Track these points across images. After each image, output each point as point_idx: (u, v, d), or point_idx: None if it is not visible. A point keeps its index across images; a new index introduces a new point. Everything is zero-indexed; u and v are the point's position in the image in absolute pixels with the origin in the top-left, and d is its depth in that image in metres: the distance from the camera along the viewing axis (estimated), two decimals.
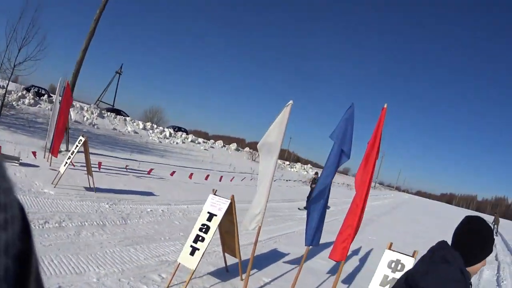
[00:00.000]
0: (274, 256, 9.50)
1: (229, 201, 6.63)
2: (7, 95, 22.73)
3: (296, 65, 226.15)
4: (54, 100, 31.95)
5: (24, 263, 0.41)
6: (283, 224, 13.85)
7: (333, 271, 9.17)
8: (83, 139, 10.73)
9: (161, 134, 43.04)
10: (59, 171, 10.82)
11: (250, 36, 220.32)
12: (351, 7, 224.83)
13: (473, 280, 8.92)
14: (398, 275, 5.04)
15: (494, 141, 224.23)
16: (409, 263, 5.22)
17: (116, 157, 20.04)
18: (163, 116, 68.95)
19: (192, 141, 47.35)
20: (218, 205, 6.63)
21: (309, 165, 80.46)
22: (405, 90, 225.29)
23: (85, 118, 33.91)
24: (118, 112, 48.57)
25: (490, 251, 2.08)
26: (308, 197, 17.20)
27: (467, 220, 2.15)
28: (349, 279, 9.04)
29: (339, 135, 6.60)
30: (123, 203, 10.92)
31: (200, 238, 6.32)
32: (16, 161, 11.72)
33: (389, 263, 5.38)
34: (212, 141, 54.93)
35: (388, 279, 5.25)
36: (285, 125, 6.82)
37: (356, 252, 11.80)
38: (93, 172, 11.19)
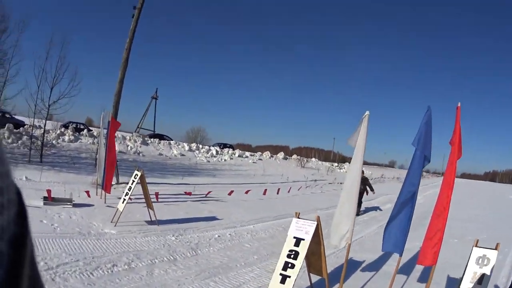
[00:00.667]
0: (352, 266, 8.79)
1: (315, 223, 6.15)
2: (45, 134, 22.58)
3: (332, 63, 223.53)
4: (96, 134, 32.77)
5: (18, 247, 0.40)
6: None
7: (406, 271, 8.68)
8: (139, 173, 10.05)
9: (208, 153, 42.50)
10: (117, 209, 10.12)
11: (284, 44, 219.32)
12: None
13: None
14: (485, 269, 5.36)
15: None
16: (493, 256, 5.41)
17: (169, 183, 19.44)
18: (205, 134, 68.80)
19: (239, 156, 46.60)
20: (304, 229, 6.16)
21: None
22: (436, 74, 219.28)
23: (129, 147, 33.72)
24: (161, 137, 48.63)
25: None
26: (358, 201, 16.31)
27: None
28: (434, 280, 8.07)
29: (420, 141, 6.59)
30: (189, 232, 10.19)
31: (290, 264, 5.92)
32: (69, 203, 11.08)
33: (476, 259, 5.50)
34: (259, 153, 54.15)
35: (477, 274, 5.40)
36: (364, 136, 7.00)
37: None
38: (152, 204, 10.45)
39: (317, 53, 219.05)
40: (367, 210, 18.96)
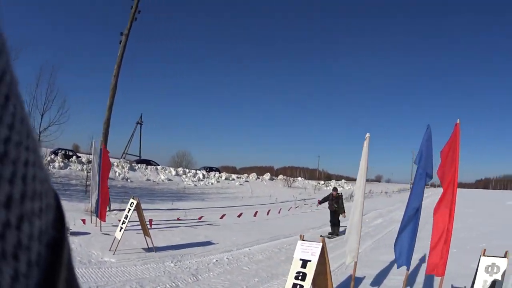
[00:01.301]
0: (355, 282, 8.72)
1: (321, 244, 6.26)
2: None
3: (313, 80, 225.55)
4: (84, 161, 32.60)
5: (56, 251, 0.41)
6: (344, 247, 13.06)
7: (410, 284, 8.54)
8: (135, 202, 10.15)
9: (195, 177, 42.50)
10: (115, 237, 10.18)
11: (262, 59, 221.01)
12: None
13: None
14: (495, 276, 5.50)
15: None
16: (503, 264, 5.55)
17: (160, 209, 19.48)
18: (191, 158, 68.59)
19: (226, 178, 46.65)
20: (310, 250, 6.29)
21: (343, 180, 79.10)
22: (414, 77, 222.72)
23: (117, 174, 33.62)
24: (147, 162, 48.43)
25: None
26: (332, 221, 16.04)
27: None
28: None
29: (422, 159, 6.77)
30: (186, 258, 10.24)
31: (298, 286, 6.03)
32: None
33: (485, 268, 5.62)
34: (245, 175, 54.31)
35: (487, 283, 5.52)
36: (366, 157, 7.16)
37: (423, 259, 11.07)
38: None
39: (298, 71, 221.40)
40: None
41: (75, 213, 14.71)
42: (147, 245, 10.60)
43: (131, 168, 37.30)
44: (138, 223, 10.74)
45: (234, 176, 51.00)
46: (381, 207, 31.04)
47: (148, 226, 11.76)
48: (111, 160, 38.10)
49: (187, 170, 45.45)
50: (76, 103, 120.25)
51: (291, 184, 53.06)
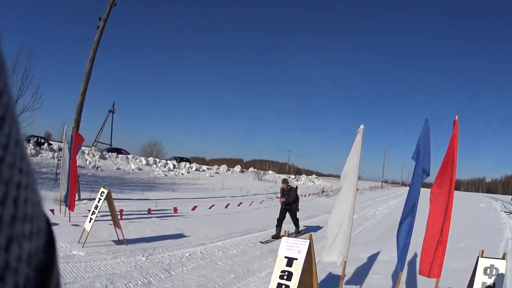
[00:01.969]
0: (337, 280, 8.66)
1: (308, 241, 5.96)
2: None
3: (283, 71, 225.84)
4: (55, 148, 31.81)
5: (45, 275, 0.41)
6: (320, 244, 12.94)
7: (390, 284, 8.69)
8: (105, 191, 9.78)
9: (165, 167, 41.98)
10: (84, 229, 9.80)
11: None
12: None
13: None
14: (494, 279, 5.41)
15: (496, 118, 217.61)
16: (501, 266, 5.47)
17: (130, 199, 19.06)
18: (161, 148, 67.93)
19: (196, 169, 46.21)
20: (296, 248, 5.96)
21: (313, 175, 79.31)
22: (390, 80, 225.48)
23: (87, 162, 32.92)
24: (118, 151, 47.65)
25: None
26: (280, 220, 13.74)
27: None
28: None
29: (420, 155, 6.54)
30: (158, 251, 9.96)
31: (284, 286, 5.68)
32: None
33: (484, 270, 5.52)
34: (216, 166, 53.95)
35: (486, 285, 5.43)
36: (359, 151, 6.87)
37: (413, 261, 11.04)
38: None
39: (268, 61, 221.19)
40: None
41: (44, 203, 14.22)
42: (118, 237, 10.27)
43: (102, 157, 36.62)
44: (108, 213, 10.38)
45: (204, 167, 50.68)
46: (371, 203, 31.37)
47: (119, 217, 11.43)
48: (83, 148, 37.61)
49: (158, 160, 44.98)
50: (50, 90, 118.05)
51: (261, 177, 53.01)
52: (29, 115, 19.90)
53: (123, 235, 10.06)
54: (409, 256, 7.09)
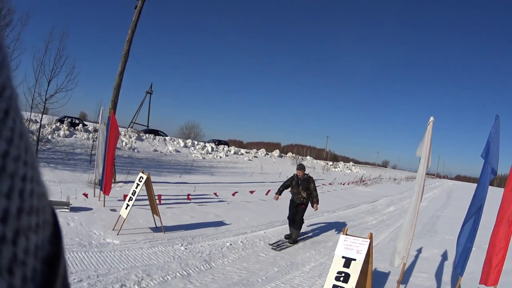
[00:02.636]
0: (381, 277, 8.10)
1: (368, 240, 5.35)
2: (41, 129, 21.72)
3: (326, 60, 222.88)
4: (90, 129, 31.75)
5: (52, 267, 0.41)
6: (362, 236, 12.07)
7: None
8: (144, 176, 9.11)
9: (203, 150, 41.46)
10: (120, 215, 9.20)
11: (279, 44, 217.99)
12: None
13: None
14: None
15: None
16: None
17: (167, 182, 18.54)
18: (199, 130, 67.54)
19: (235, 153, 45.59)
20: (355, 247, 5.36)
21: (351, 162, 77.84)
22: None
23: (123, 143, 32.71)
24: (155, 132, 47.59)
25: None
26: (293, 215, 10.80)
27: None
28: None
29: (489, 153, 6.12)
30: (197, 240, 9.31)
31: None
32: (66, 207, 10.02)
33: None
34: (254, 150, 53.23)
35: None
36: (429, 142, 6.62)
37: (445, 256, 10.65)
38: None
39: (311, 49, 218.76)
40: (370, 211, 18.20)
41: (78, 185, 13.84)
42: (155, 224, 9.67)
43: (139, 138, 36.39)
44: (145, 197, 9.76)
45: (243, 150, 49.92)
46: (392, 193, 30.20)
47: (157, 203, 10.80)
48: (120, 129, 37.50)
49: (196, 142, 44.52)
50: (86, 72, 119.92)
51: (300, 162, 52.10)
52: (63, 96, 19.56)
53: (161, 222, 9.43)
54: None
